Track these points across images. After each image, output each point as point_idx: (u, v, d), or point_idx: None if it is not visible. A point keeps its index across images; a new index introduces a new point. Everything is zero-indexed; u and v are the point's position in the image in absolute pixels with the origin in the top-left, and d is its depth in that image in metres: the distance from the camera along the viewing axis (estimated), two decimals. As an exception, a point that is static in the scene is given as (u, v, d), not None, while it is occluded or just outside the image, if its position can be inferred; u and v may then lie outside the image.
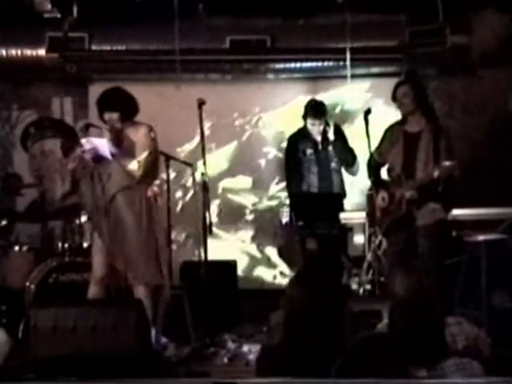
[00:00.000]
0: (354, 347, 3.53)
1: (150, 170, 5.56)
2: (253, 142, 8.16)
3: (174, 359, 5.44)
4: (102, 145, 5.41)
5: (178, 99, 7.72)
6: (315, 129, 6.85)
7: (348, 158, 6.88)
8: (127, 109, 5.56)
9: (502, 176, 7.31)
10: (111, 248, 5.52)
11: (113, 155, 5.44)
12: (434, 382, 3.40)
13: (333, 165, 6.92)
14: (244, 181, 8.18)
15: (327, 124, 6.88)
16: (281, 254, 7.25)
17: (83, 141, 5.48)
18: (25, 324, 5.67)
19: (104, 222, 5.51)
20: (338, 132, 6.94)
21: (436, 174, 5.71)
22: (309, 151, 6.92)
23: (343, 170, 6.97)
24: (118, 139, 5.53)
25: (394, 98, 6.09)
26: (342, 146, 6.88)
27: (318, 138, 6.88)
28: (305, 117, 6.91)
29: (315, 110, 6.86)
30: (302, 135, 6.97)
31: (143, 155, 5.45)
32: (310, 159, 6.92)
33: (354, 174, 7.00)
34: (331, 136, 6.86)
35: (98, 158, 5.47)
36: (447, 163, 5.71)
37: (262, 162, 8.14)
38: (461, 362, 3.46)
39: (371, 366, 3.35)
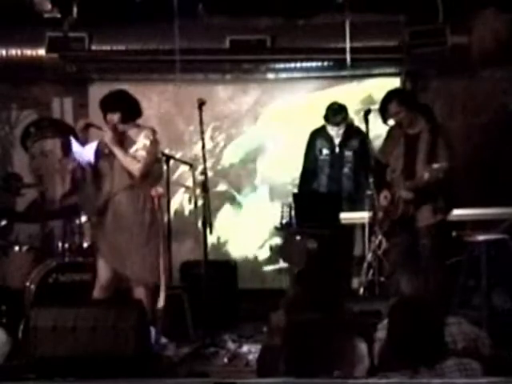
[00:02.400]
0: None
1: (152, 171, 5.59)
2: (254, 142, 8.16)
3: (174, 359, 5.44)
4: (88, 152, 5.50)
5: (178, 99, 7.72)
6: (334, 132, 6.89)
7: (363, 174, 6.81)
8: (129, 111, 5.61)
9: (502, 176, 7.30)
10: (112, 247, 5.52)
11: (109, 154, 5.47)
12: (434, 381, 3.40)
13: (345, 170, 6.92)
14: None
15: (349, 127, 6.88)
16: (281, 254, 7.24)
17: (74, 147, 5.57)
18: (25, 324, 5.67)
19: (110, 221, 5.53)
20: (363, 140, 6.85)
21: (426, 176, 5.70)
22: (325, 151, 6.96)
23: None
24: (120, 140, 5.54)
25: (385, 117, 6.05)
26: (362, 155, 6.81)
27: (337, 140, 6.90)
28: (325, 119, 6.91)
29: (335, 114, 6.88)
30: (322, 134, 6.99)
31: (144, 156, 5.47)
32: (325, 159, 6.96)
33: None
34: (354, 143, 6.85)
35: (89, 161, 5.53)
36: (436, 166, 5.69)
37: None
38: (461, 362, 3.46)
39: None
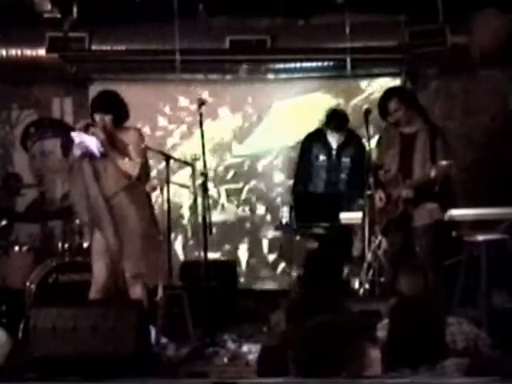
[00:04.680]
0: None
1: (144, 169, 5.63)
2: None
3: (174, 359, 5.44)
4: (91, 142, 5.45)
5: (178, 99, 7.72)
6: (334, 138, 6.82)
7: (360, 182, 6.80)
8: (120, 114, 5.62)
9: (502, 176, 7.30)
10: (117, 246, 5.52)
11: (105, 154, 5.48)
12: (434, 381, 3.40)
13: (342, 175, 6.90)
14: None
15: (348, 135, 6.85)
16: (281, 254, 7.25)
17: (73, 134, 5.56)
18: (25, 324, 5.67)
19: (107, 220, 5.52)
20: (361, 147, 6.85)
21: (433, 173, 5.71)
22: (321, 157, 6.90)
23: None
24: (111, 140, 5.55)
25: (384, 114, 6.04)
26: (360, 162, 6.81)
27: (334, 146, 6.85)
28: (325, 125, 6.86)
29: (336, 122, 6.82)
30: (318, 139, 6.92)
31: (138, 157, 5.49)
32: (322, 165, 6.91)
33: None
34: (352, 150, 6.82)
35: (88, 155, 5.50)
36: (444, 163, 5.71)
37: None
38: (461, 362, 3.46)
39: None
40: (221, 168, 8.05)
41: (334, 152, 6.86)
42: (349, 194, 6.91)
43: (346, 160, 6.87)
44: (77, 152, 5.51)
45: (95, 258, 5.64)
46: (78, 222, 6.51)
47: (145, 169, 5.65)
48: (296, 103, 8.00)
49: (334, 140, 6.83)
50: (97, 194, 5.53)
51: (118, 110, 5.60)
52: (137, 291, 5.52)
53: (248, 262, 8.00)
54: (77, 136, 5.51)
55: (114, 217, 5.52)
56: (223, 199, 8.09)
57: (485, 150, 7.59)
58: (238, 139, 8.07)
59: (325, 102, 7.91)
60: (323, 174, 6.91)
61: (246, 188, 8.11)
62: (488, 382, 3.11)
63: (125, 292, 5.61)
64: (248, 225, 8.07)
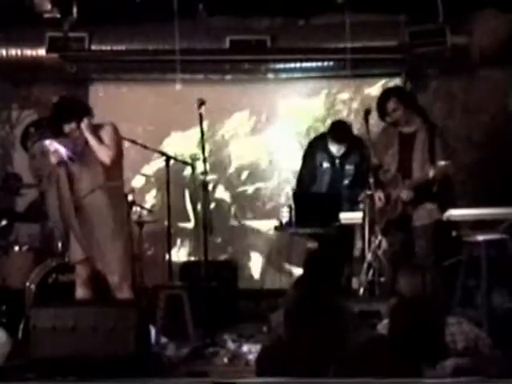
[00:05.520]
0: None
1: (118, 168, 5.64)
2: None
3: (174, 359, 5.44)
4: (63, 149, 5.52)
5: (178, 99, 7.72)
6: (336, 148, 6.80)
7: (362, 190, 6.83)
8: (81, 114, 5.60)
9: (502, 176, 7.30)
10: (88, 248, 5.54)
11: (81, 155, 5.51)
12: (434, 381, 3.40)
13: (345, 182, 6.90)
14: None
15: (352, 142, 6.85)
16: (281, 254, 7.25)
17: (46, 143, 5.63)
18: (25, 324, 5.68)
19: (75, 223, 5.54)
20: (364, 153, 6.87)
21: (432, 173, 5.71)
22: (325, 165, 6.89)
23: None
24: (83, 143, 5.57)
25: (383, 114, 6.04)
26: (363, 169, 6.83)
27: (337, 155, 6.85)
28: (328, 135, 6.85)
29: (338, 133, 6.77)
30: (322, 145, 6.91)
31: (112, 144, 5.53)
32: (325, 172, 6.90)
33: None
34: (355, 158, 6.81)
35: (63, 161, 5.55)
36: (443, 163, 5.71)
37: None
38: (461, 362, 3.46)
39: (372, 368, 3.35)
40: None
41: (337, 160, 6.85)
42: (349, 195, 6.91)
43: (349, 167, 6.84)
44: (52, 160, 5.58)
45: (74, 261, 5.68)
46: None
47: (119, 162, 5.64)
48: (296, 104, 8.02)
49: (335, 150, 6.82)
50: (68, 198, 5.56)
51: (78, 112, 5.60)
52: (123, 296, 5.52)
53: (248, 262, 8.02)
54: (50, 145, 5.58)
55: (84, 219, 5.53)
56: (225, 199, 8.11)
57: (485, 149, 7.59)
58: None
59: (325, 101, 7.93)
60: (327, 180, 6.90)
61: (251, 188, 8.13)
62: (488, 382, 3.12)
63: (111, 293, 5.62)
64: (249, 225, 8.09)
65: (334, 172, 6.87)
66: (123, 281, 5.54)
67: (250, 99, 8.05)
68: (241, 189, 8.13)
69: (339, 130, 6.80)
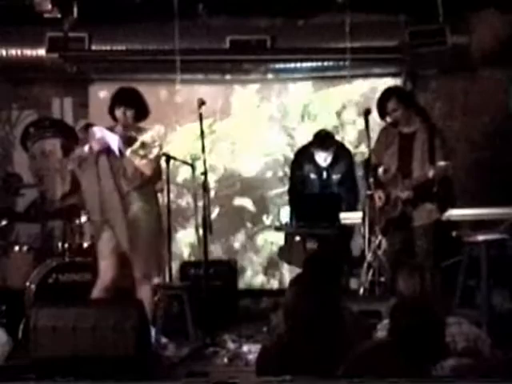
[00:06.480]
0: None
1: (158, 170, 5.66)
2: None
3: (174, 359, 5.44)
4: (113, 139, 5.43)
5: (178, 99, 7.73)
6: (322, 158, 6.88)
7: (350, 197, 6.89)
8: (141, 109, 5.61)
9: (502, 176, 7.31)
10: (128, 244, 5.50)
11: (122, 152, 5.45)
12: (434, 382, 3.40)
13: (335, 189, 6.95)
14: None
15: (336, 150, 6.88)
16: (281, 254, 7.24)
17: (95, 129, 5.51)
18: (25, 324, 5.67)
19: (120, 218, 5.50)
20: (350, 162, 6.97)
21: (431, 173, 5.72)
22: (312, 176, 6.96)
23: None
24: (129, 137, 5.53)
25: (383, 114, 6.05)
26: (350, 184, 6.92)
27: (324, 165, 6.90)
28: (313, 146, 6.91)
29: (322, 142, 6.88)
30: (309, 157, 6.98)
31: (153, 157, 5.49)
32: (313, 182, 6.97)
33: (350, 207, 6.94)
34: (342, 167, 6.88)
35: (105, 151, 5.46)
36: (442, 163, 5.72)
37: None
38: (461, 362, 3.46)
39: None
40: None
41: (324, 172, 6.94)
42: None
43: (336, 177, 6.95)
44: (95, 147, 5.42)
45: (103, 256, 5.58)
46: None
47: (158, 169, 5.65)
48: (295, 104, 8.03)
49: (321, 160, 6.90)
50: (111, 191, 5.47)
51: (139, 105, 5.59)
52: (144, 292, 5.50)
53: (248, 262, 8.02)
54: (99, 131, 5.46)
55: (127, 215, 5.51)
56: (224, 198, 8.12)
57: (485, 150, 7.60)
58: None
59: (325, 102, 7.94)
60: (316, 190, 6.99)
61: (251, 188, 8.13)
62: (488, 382, 3.12)
63: (131, 292, 5.60)
64: (249, 225, 8.09)
65: (321, 182, 6.94)
66: (147, 278, 5.54)
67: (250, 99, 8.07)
68: (241, 189, 8.14)
69: (323, 137, 6.90)
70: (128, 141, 5.49)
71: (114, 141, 5.42)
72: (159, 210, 5.70)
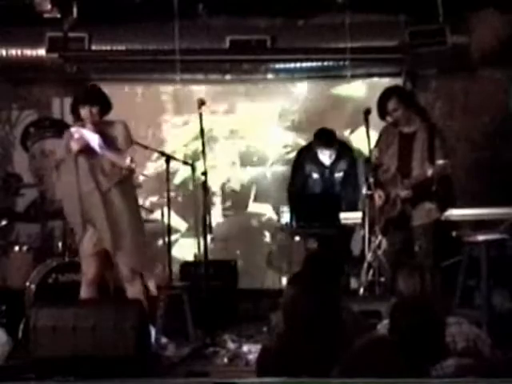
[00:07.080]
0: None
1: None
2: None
3: (174, 359, 5.44)
4: (93, 137, 5.45)
5: (178, 99, 7.73)
6: (325, 156, 6.89)
7: (353, 195, 6.88)
8: (105, 104, 5.61)
9: (502, 176, 7.30)
10: (110, 241, 5.50)
11: (102, 150, 5.47)
12: (434, 381, 3.40)
13: (337, 189, 6.95)
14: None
15: (338, 148, 6.88)
16: (281, 254, 7.25)
17: (73, 129, 5.56)
18: (25, 324, 5.67)
19: (101, 215, 5.49)
20: (352, 160, 6.97)
21: (430, 172, 5.73)
22: (315, 175, 6.97)
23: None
24: (102, 134, 5.53)
25: (383, 114, 6.05)
26: (353, 182, 6.92)
27: (327, 163, 6.91)
28: (315, 144, 6.92)
29: (324, 140, 6.90)
30: (310, 156, 6.98)
31: (128, 149, 5.51)
32: (315, 182, 6.98)
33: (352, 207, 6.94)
34: (344, 165, 6.90)
35: (84, 150, 5.47)
36: (441, 162, 5.73)
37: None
38: (461, 362, 3.46)
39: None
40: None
41: (327, 170, 6.95)
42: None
43: (338, 175, 6.96)
44: (74, 147, 5.45)
45: (85, 255, 5.57)
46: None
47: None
48: (295, 104, 8.03)
49: (325, 158, 6.91)
50: (91, 190, 5.48)
51: (103, 101, 5.60)
52: (135, 289, 5.48)
53: (248, 263, 8.02)
54: (76, 131, 5.50)
55: (108, 212, 5.51)
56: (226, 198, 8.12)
57: (485, 149, 7.59)
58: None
59: (325, 102, 7.94)
60: (317, 189, 7.00)
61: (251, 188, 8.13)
62: (487, 382, 3.12)
63: (121, 291, 5.58)
64: (249, 225, 8.09)
65: (324, 181, 6.95)
66: (136, 274, 5.51)
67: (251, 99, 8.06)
68: (241, 188, 8.14)
69: (326, 135, 6.90)
70: (102, 137, 5.51)
71: (93, 139, 5.45)
72: (138, 206, 5.78)
